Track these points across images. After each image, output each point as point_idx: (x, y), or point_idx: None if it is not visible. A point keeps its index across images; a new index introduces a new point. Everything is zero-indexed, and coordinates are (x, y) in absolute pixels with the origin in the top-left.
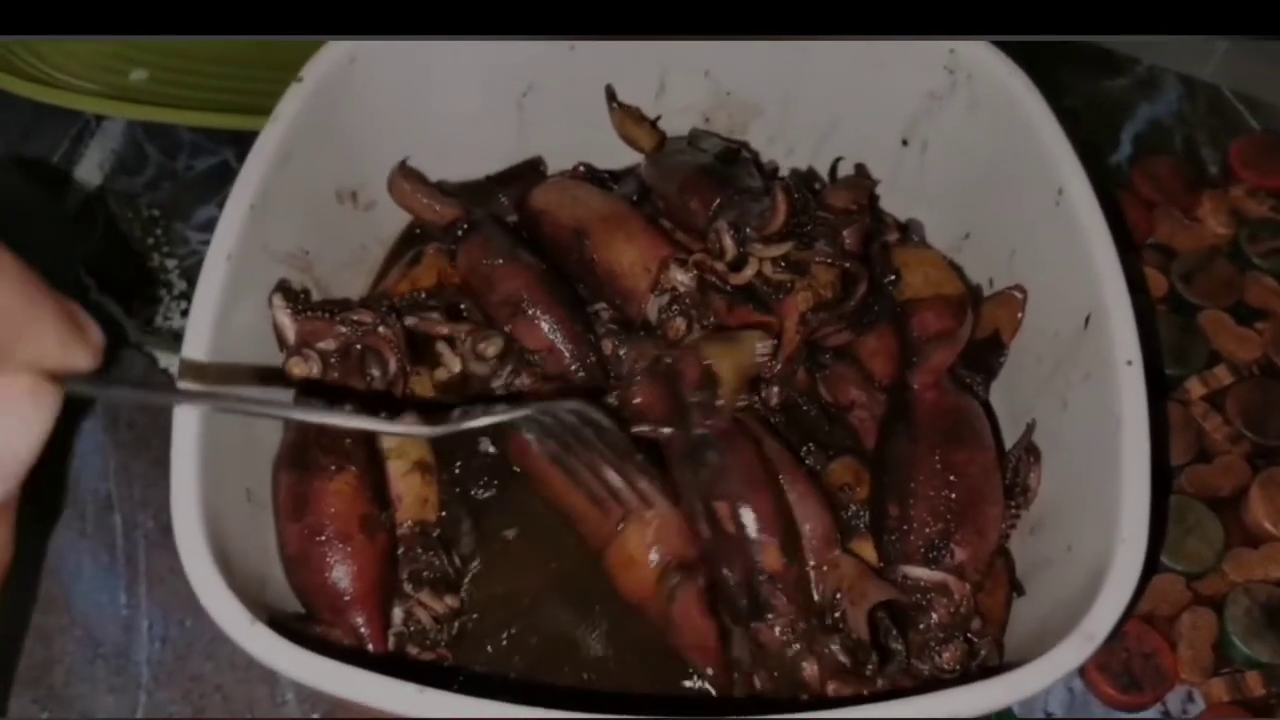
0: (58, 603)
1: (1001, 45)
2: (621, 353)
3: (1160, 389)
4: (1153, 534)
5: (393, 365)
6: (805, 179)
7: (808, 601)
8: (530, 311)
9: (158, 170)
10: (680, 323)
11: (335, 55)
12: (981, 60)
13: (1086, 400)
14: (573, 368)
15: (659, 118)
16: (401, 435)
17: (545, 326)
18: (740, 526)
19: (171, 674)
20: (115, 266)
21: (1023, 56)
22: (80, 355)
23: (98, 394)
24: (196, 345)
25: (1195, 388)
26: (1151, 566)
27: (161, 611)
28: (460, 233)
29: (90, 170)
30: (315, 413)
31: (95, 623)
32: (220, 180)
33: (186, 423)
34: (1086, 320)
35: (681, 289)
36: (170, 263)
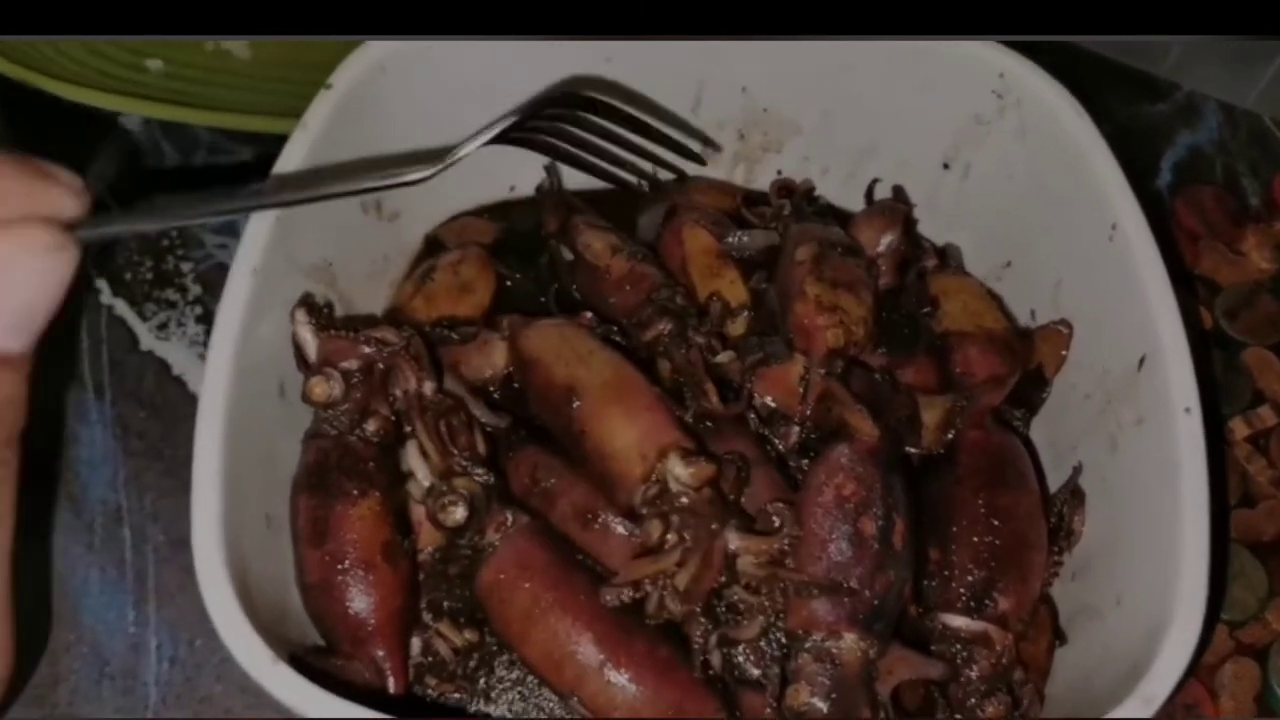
0: (64, 618)
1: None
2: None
3: (1218, 435)
4: (1212, 591)
5: (414, 385)
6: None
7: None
8: (601, 520)
9: (174, 169)
10: (656, 527)
11: (366, 63)
12: (1032, 86)
13: (1139, 445)
14: None
15: (694, 131)
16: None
17: (624, 533)
18: None
19: (180, 696)
20: (129, 269)
21: (1064, 78)
22: (69, 201)
23: (105, 233)
24: (219, 361)
25: (1239, 428)
26: (1211, 624)
27: (171, 630)
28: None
29: (104, 168)
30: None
31: (102, 640)
32: (238, 181)
33: (208, 446)
34: (1140, 361)
35: (674, 487)
36: (185, 265)
